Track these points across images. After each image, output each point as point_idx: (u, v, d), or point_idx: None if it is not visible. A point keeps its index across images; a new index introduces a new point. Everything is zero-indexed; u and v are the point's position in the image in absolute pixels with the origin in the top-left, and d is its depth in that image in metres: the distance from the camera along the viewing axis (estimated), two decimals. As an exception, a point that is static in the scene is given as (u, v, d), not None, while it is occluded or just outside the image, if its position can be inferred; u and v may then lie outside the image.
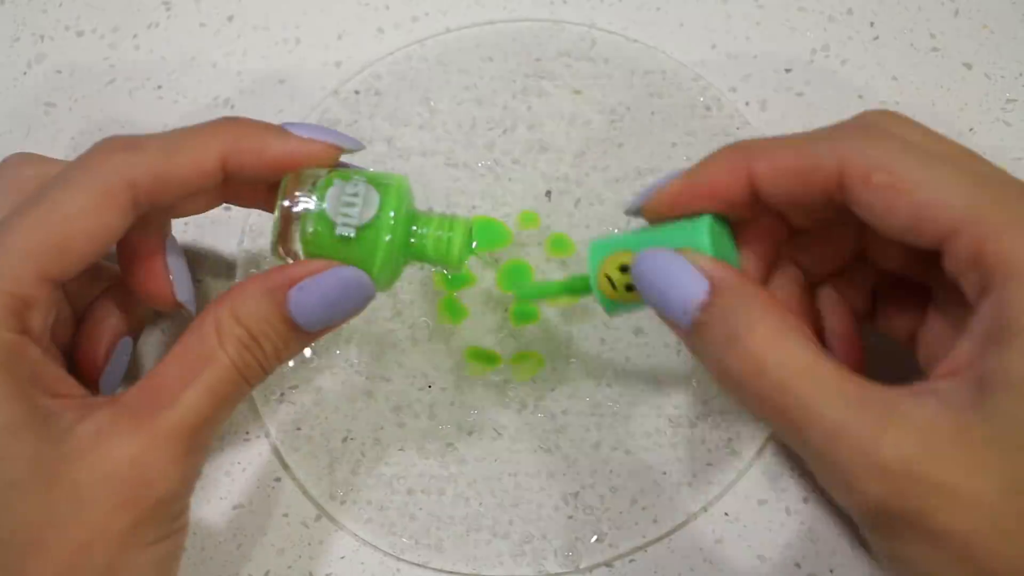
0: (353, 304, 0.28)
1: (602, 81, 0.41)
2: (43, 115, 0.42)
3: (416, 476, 0.34)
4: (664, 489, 0.34)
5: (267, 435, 0.35)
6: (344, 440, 0.35)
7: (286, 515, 0.34)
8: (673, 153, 0.39)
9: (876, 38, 0.42)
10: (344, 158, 0.30)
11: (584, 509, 0.34)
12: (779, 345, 0.24)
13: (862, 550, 0.33)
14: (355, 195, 0.28)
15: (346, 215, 0.28)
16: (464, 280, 0.37)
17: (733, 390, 0.26)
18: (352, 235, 0.28)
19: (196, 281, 0.38)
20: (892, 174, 0.24)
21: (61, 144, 0.41)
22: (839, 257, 0.30)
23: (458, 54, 0.42)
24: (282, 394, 0.36)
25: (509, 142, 0.40)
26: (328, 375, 0.36)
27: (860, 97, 0.41)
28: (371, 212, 0.28)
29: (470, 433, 0.35)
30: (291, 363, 0.36)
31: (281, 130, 0.29)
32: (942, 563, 0.23)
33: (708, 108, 0.40)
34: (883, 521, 0.23)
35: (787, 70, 0.41)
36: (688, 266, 0.26)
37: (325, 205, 0.28)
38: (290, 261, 0.29)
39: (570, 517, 0.34)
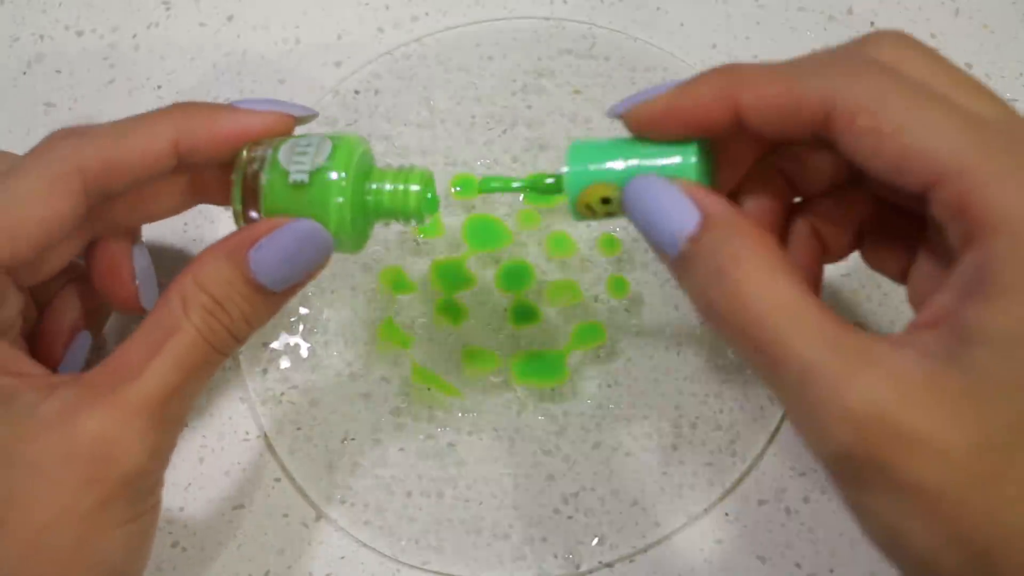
0: (313, 257, 0.28)
1: (602, 80, 0.41)
2: (43, 115, 0.42)
3: (415, 478, 0.34)
4: (665, 491, 0.34)
5: (267, 435, 0.35)
6: (343, 441, 0.35)
7: (286, 515, 0.34)
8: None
9: (876, 38, 0.42)
10: (301, 130, 0.30)
11: (584, 511, 0.34)
12: (763, 280, 0.24)
13: (862, 550, 0.33)
14: (308, 145, 0.28)
15: (299, 162, 0.28)
16: (463, 280, 0.37)
17: (714, 322, 0.25)
18: (305, 180, 0.27)
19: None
20: (877, 117, 0.23)
21: (61, 144, 0.41)
22: (828, 178, 0.29)
23: (458, 52, 0.42)
24: (282, 394, 0.36)
25: (509, 141, 0.40)
26: (328, 376, 0.36)
27: (860, 97, 0.40)
28: (323, 157, 0.28)
29: (469, 434, 0.35)
30: (288, 363, 0.36)
31: (231, 107, 0.29)
32: (908, 515, 0.22)
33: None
34: (850, 469, 0.23)
35: (787, 70, 0.41)
36: (682, 197, 0.25)
37: (279, 156, 0.28)
38: None
39: (570, 518, 0.34)
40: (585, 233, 0.38)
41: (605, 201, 0.27)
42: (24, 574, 0.25)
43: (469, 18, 0.43)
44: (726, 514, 0.34)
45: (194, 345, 0.26)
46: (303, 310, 0.37)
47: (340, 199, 0.28)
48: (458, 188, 0.39)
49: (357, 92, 0.41)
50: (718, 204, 0.25)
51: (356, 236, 0.29)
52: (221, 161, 0.29)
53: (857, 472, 0.23)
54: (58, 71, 0.43)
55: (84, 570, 0.25)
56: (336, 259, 0.37)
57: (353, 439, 0.35)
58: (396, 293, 0.37)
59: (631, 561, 0.33)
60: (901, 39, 0.25)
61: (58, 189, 0.28)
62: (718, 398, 0.35)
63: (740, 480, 0.34)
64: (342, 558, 0.34)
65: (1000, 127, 0.23)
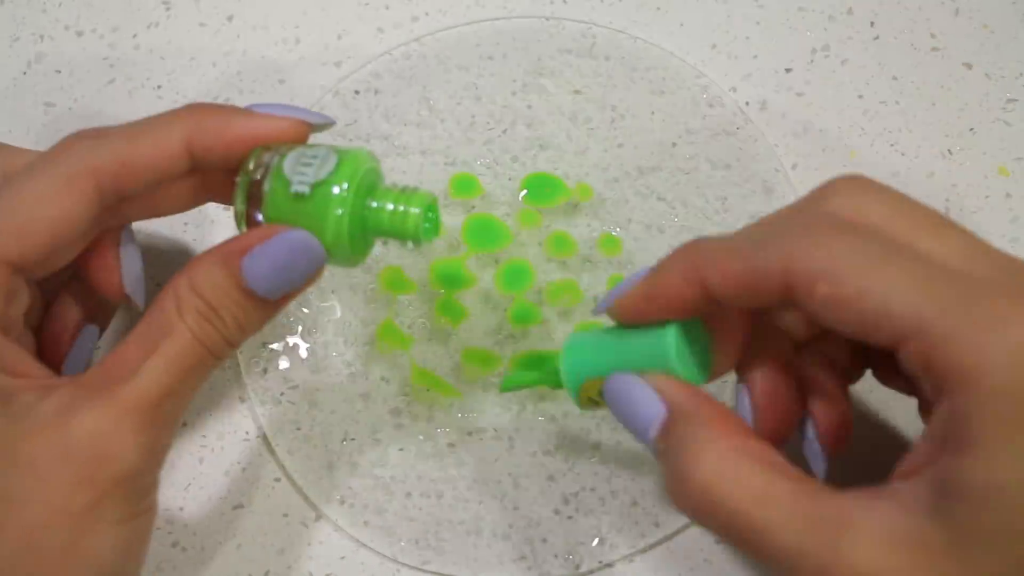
0: (304, 268, 0.28)
1: (602, 79, 0.41)
2: (43, 115, 0.42)
3: (415, 478, 0.34)
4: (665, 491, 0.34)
5: (266, 436, 0.35)
6: (343, 441, 0.35)
7: (286, 515, 0.34)
8: (675, 152, 0.39)
9: (876, 38, 0.42)
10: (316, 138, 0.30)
11: (585, 511, 0.34)
12: (728, 474, 0.24)
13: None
14: (314, 157, 0.28)
15: (302, 173, 0.28)
16: (463, 281, 0.37)
17: (691, 516, 0.25)
18: (306, 192, 0.27)
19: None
20: (835, 284, 0.23)
21: (61, 144, 0.41)
22: (815, 327, 0.30)
23: (458, 52, 0.42)
24: (281, 394, 0.36)
25: (509, 140, 0.40)
26: (327, 376, 0.36)
27: (860, 97, 0.41)
28: (326, 170, 0.28)
29: (469, 435, 0.35)
30: (288, 363, 0.36)
31: (246, 111, 0.29)
32: None
33: (711, 105, 0.40)
34: None
35: (787, 70, 0.41)
36: (647, 391, 0.27)
37: (284, 165, 0.28)
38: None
39: (570, 519, 0.34)
40: (585, 233, 0.38)
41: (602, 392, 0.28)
42: (17, 573, 0.25)
43: (469, 18, 0.43)
44: (726, 514, 0.34)
45: (188, 347, 0.27)
46: (302, 310, 0.37)
47: (338, 213, 0.27)
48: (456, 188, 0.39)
49: (357, 92, 0.41)
50: (679, 394, 0.26)
51: (354, 251, 0.29)
52: (234, 164, 0.29)
53: None
54: (58, 71, 0.43)
55: (77, 569, 0.25)
56: (336, 259, 0.38)
57: (353, 439, 0.35)
58: (396, 293, 0.37)
59: (631, 561, 0.33)
60: (858, 185, 0.26)
61: (71, 190, 0.28)
62: (718, 398, 0.35)
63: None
64: (342, 558, 0.34)
65: (956, 279, 0.23)
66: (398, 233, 0.29)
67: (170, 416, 0.27)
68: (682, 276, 0.26)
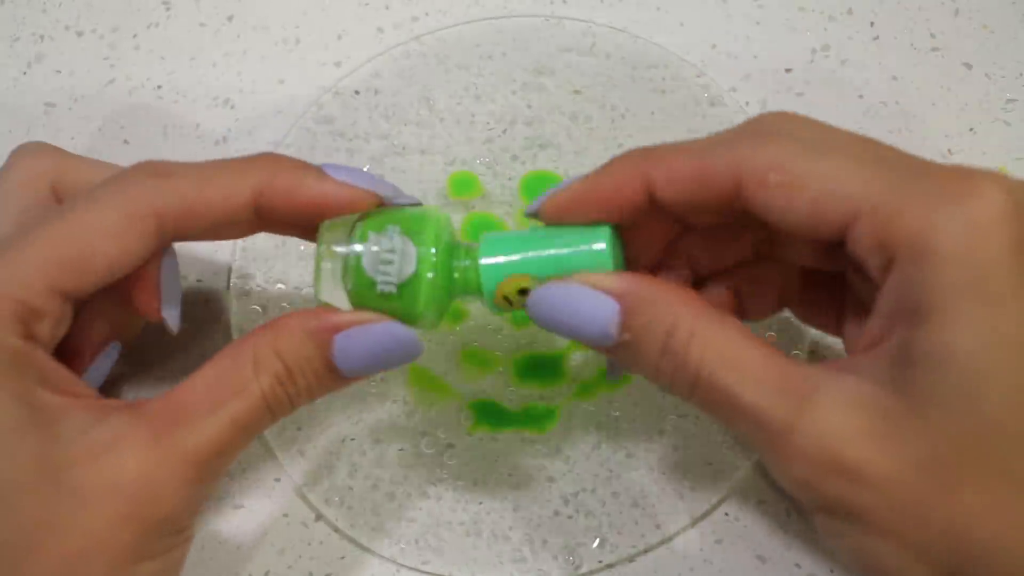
0: (399, 359, 0.28)
1: (602, 78, 0.41)
2: (43, 115, 0.42)
3: (415, 479, 0.34)
4: (665, 491, 0.34)
5: (266, 436, 0.35)
6: (343, 441, 0.35)
7: (286, 515, 0.34)
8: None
9: (876, 38, 0.42)
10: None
11: (585, 512, 0.34)
12: (700, 341, 0.25)
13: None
14: (391, 251, 0.27)
15: (385, 273, 0.27)
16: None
17: (670, 392, 0.26)
18: (394, 291, 0.27)
19: (196, 282, 0.38)
20: (787, 172, 0.24)
21: (61, 144, 0.41)
22: (735, 254, 0.30)
23: (457, 51, 0.42)
24: (282, 394, 0.36)
25: (509, 140, 0.40)
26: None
27: (860, 97, 0.40)
28: (410, 269, 0.27)
29: (469, 435, 0.35)
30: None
31: (319, 171, 0.29)
32: (873, 540, 0.23)
33: (712, 105, 0.40)
34: (813, 503, 0.24)
35: (787, 70, 0.41)
36: (592, 294, 0.26)
37: (363, 263, 0.27)
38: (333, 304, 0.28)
39: (570, 519, 0.34)
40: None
41: (523, 292, 0.27)
42: None
43: (469, 17, 0.43)
44: (726, 514, 0.34)
45: (256, 409, 0.27)
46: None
47: (429, 305, 0.27)
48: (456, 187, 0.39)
49: (357, 92, 0.41)
50: (631, 283, 0.26)
51: (439, 318, 0.29)
52: (301, 224, 0.29)
53: (820, 505, 0.24)
54: (58, 71, 0.43)
55: None
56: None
57: (352, 439, 0.35)
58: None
59: (631, 562, 0.33)
60: (789, 115, 0.27)
61: (133, 229, 0.27)
62: (718, 398, 0.35)
63: (742, 481, 0.34)
64: (342, 558, 0.34)
65: (899, 163, 0.24)
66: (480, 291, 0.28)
67: (220, 470, 0.27)
68: (628, 172, 0.27)
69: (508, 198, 0.39)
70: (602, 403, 0.35)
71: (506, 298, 0.28)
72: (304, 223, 0.29)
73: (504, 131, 0.40)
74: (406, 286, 0.27)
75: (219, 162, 0.29)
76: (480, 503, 0.34)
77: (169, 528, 0.26)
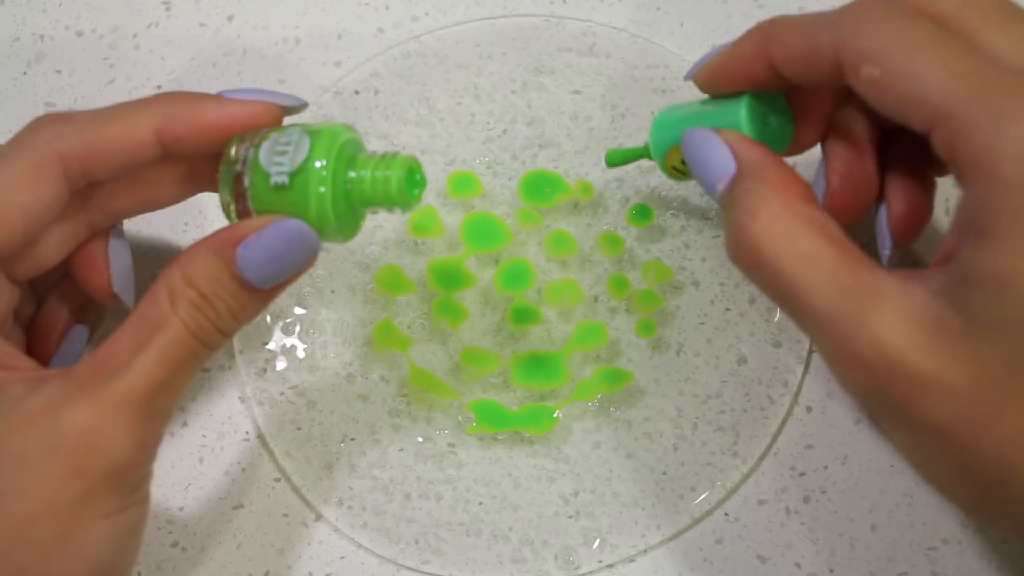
0: (299, 257, 0.28)
1: (602, 78, 0.41)
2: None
3: (414, 479, 0.34)
4: (665, 492, 0.34)
5: (266, 436, 0.35)
6: (343, 442, 0.35)
7: (286, 515, 0.34)
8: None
9: (877, 37, 0.42)
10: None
11: (585, 512, 0.34)
12: (779, 232, 0.25)
13: (862, 550, 0.33)
14: (287, 143, 0.28)
15: (278, 163, 0.27)
16: (462, 280, 0.37)
17: (740, 269, 0.27)
18: (285, 182, 0.27)
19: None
20: (879, 67, 0.24)
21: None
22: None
23: (457, 51, 0.42)
24: (281, 394, 0.36)
25: (508, 139, 0.40)
26: (326, 377, 0.36)
27: (861, 96, 0.40)
28: (302, 156, 0.27)
29: (469, 435, 0.35)
30: (286, 364, 0.36)
31: (217, 97, 0.29)
32: (925, 450, 0.24)
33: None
34: (871, 407, 0.25)
35: (788, 69, 0.41)
36: (720, 145, 0.28)
37: (260, 156, 0.28)
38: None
39: (570, 519, 0.34)
40: (585, 233, 0.38)
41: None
42: (8, 567, 0.25)
43: (468, 17, 0.43)
44: (726, 514, 0.34)
45: (181, 339, 0.26)
46: (300, 311, 0.37)
47: (321, 191, 0.27)
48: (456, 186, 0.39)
49: (357, 92, 0.41)
50: (749, 150, 0.27)
51: (343, 227, 0.28)
52: (209, 151, 0.29)
53: (878, 410, 0.25)
54: (58, 71, 0.43)
55: (68, 562, 0.25)
56: (334, 259, 0.38)
57: (352, 440, 0.35)
58: (394, 294, 0.37)
59: (631, 562, 0.33)
60: (898, 1, 0.26)
61: (39, 176, 0.27)
62: (719, 399, 0.35)
63: (742, 482, 0.34)
64: (342, 558, 0.34)
65: (985, 71, 0.23)
66: (383, 201, 0.28)
67: (162, 409, 0.27)
68: (752, 49, 0.28)
69: (508, 198, 0.39)
70: (602, 403, 0.35)
71: (676, 168, 0.31)
72: (213, 149, 0.29)
73: (504, 131, 0.40)
74: (298, 175, 0.27)
75: (120, 104, 0.29)
76: (480, 503, 0.34)
77: (119, 481, 0.26)
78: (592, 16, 0.42)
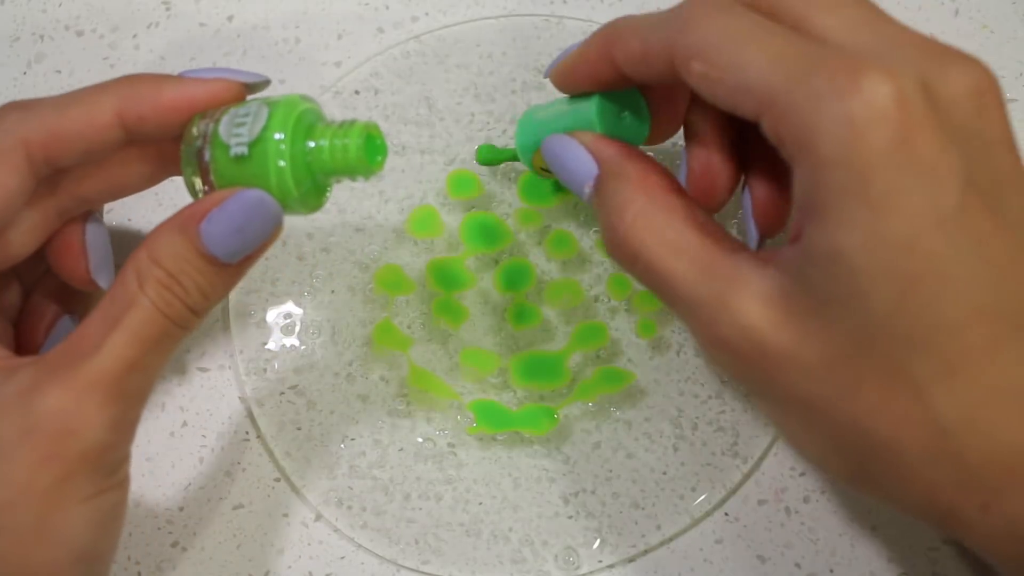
0: (262, 227, 0.27)
1: (602, 80, 0.41)
2: (43, 115, 0.42)
3: (414, 479, 0.34)
4: (665, 492, 0.34)
5: (266, 436, 0.35)
6: (343, 442, 0.35)
7: (286, 515, 0.34)
8: (674, 151, 0.39)
9: (877, 37, 0.42)
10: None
11: (585, 513, 0.34)
12: (645, 226, 0.26)
13: (862, 550, 0.33)
14: (246, 115, 0.28)
15: (237, 135, 0.27)
16: (462, 280, 0.37)
17: (622, 267, 0.27)
18: (245, 152, 0.27)
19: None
20: (706, 62, 0.25)
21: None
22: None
23: (457, 50, 0.42)
24: (281, 394, 0.36)
25: (509, 139, 0.40)
26: (325, 377, 0.36)
27: (861, 96, 0.40)
28: (259, 126, 0.27)
29: (469, 436, 0.35)
30: (286, 364, 0.36)
31: (177, 77, 0.29)
32: (792, 425, 0.25)
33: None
34: (744, 386, 0.25)
35: (788, 69, 0.41)
36: (578, 148, 0.28)
37: (220, 129, 0.28)
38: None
39: (570, 519, 0.34)
40: (585, 233, 0.38)
41: None
42: None
43: (468, 17, 0.43)
44: (726, 514, 0.34)
45: (151, 319, 0.26)
46: (299, 311, 0.37)
47: (280, 164, 0.27)
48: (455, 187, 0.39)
49: (357, 91, 0.41)
50: (609, 151, 0.28)
51: (305, 197, 0.28)
52: (173, 132, 0.29)
53: (749, 388, 0.26)
54: (58, 71, 0.43)
55: (47, 548, 0.25)
56: (334, 259, 0.38)
57: (352, 440, 0.35)
58: (394, 294, 0.37)
59: (631, 562, 0.33)
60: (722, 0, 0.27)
61: (2, 164, 0.27)
62: (719, 399, 0.35)
63: (742, 482, 0.34)
64: (342, 558, 0.34)
65: (805, 55, 0.24)
66: (344, 169, 0.28)
67: (137, 389, 0.27)
68: (596, 52, 0.28)
69: (508, 198, 0.39)
70: (602, 403, 0.35)
71: (543, 169, 0.31)
72: (176, 130, 0.29)
73: (504, 131, 0.40)
74: (256, 144, 0.27)
75: (82, 88, 0.29)
76: (480, 503, 0.34)
77: (96, 463, 0.26)
78: (592, 16, 0.42)
